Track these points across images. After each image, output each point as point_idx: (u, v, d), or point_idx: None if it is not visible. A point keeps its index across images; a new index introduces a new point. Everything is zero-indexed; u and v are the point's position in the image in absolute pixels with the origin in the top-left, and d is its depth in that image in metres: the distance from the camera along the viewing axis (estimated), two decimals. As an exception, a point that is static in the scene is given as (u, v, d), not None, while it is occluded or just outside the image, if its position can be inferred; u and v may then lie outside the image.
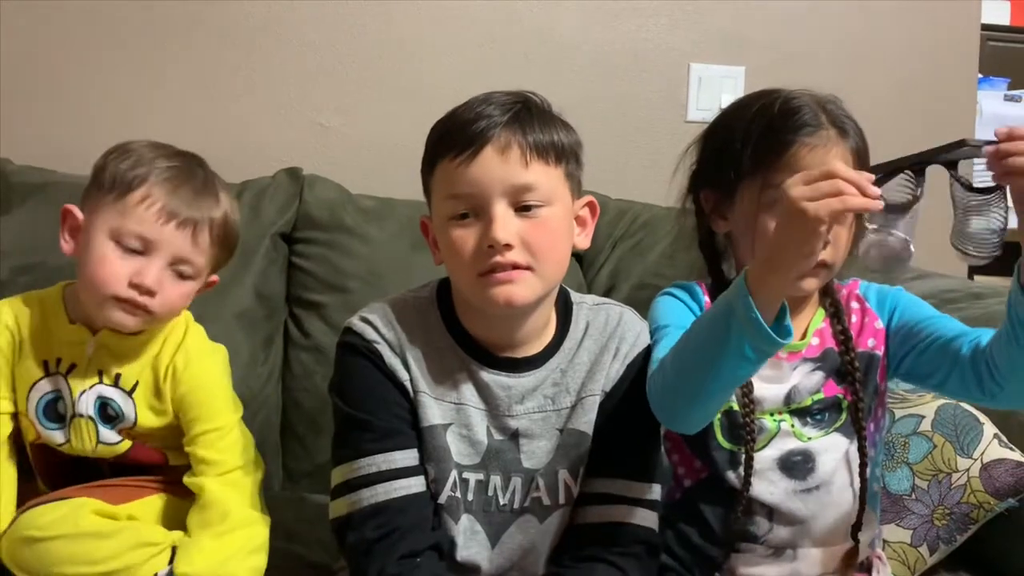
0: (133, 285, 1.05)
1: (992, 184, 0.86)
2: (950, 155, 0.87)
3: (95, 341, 1.11)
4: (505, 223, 0.94)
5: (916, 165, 0.88)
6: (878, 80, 1.86)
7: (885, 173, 0.87)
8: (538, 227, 0.95)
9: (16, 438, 1.15)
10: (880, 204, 0.82)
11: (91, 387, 1.11)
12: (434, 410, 1.00)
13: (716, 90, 1.78)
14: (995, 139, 0.85)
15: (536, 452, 1.03)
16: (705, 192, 1.13)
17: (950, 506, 1.23)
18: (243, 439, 1.14)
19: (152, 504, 1.12)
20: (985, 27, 2.00)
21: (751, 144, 1.05)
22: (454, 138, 0.95)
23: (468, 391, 1.02)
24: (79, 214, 1.10)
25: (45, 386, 1.11)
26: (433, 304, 1.04)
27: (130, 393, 1.12)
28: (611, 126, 1.78)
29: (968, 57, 1.93)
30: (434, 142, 0.99)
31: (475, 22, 1.73)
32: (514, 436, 1.02)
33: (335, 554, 1.07)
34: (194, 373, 1.12)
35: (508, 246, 0.93)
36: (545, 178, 0.96)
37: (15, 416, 1.13)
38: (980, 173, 0.86)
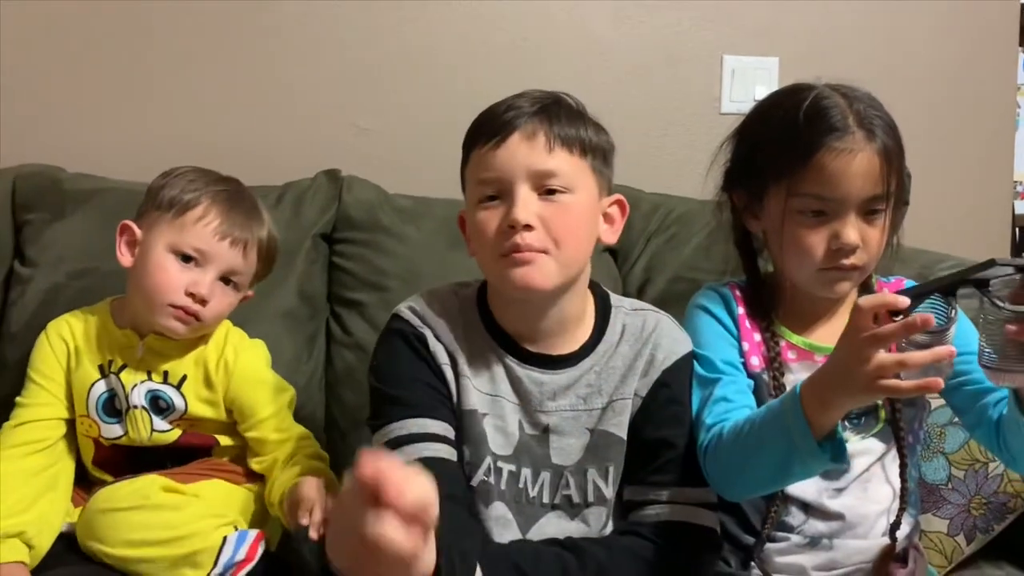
0: (189, 294, 1.16)
1: None
2: (981, 275, 0.84)
3: (143, 345, 1.21)
4: (526, 204, 0.97)
5: (948, 287, 0.84)
6: (915, 66, 1.83)
7: (914, 296, 0.84)
8: (559, 211, 0.99)
9: (73, 445, 1.24)
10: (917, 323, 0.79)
11: (141, 382, 1.20)
12: (474, 396, 1.03)
13: (750, 82, 1.77)
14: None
15: (565, 449, 1.05)
16: (737, 192, 1.13)
17: (987, 496, 1.23)
18: (290, 417, 1.25)
19: (213, 486, 1.19)
20: (1026, 5, 1.96)
21: (777, 149, 1.05)
22: (486, 127, 1.01)
23: (503, 384, 1.05)
24: (137, 230, 1.20)
25: (101, 387, 1.21)
26: (473, 300, 1.08)
27: (178, 387, 1.21)
28: (645, 120, 1.78)
29: (1008, 37, 1.89)
30: (470, 133, 1.04)
31: (508, 22, 1.74)
32: (544, 432, 1.05)
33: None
34: (243, 365, 1.22)
35: (528, 227, 0.97)
36: (568, 166, 1.00)
37: (73, 422, 1.23)
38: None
